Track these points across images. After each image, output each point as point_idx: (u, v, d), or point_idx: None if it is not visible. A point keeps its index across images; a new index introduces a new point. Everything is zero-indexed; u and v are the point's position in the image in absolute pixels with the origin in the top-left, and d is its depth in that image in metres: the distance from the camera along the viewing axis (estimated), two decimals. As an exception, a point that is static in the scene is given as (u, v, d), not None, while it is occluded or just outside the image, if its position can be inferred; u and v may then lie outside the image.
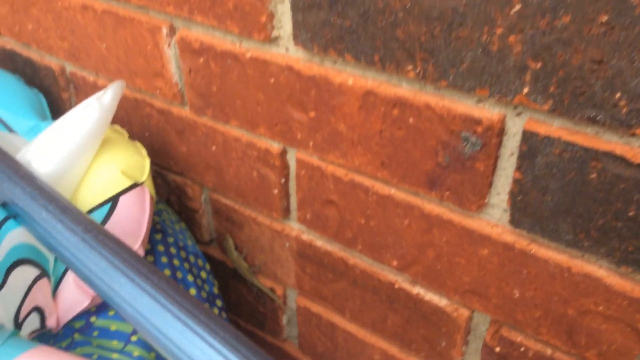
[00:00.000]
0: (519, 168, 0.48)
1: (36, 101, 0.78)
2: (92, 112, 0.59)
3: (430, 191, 0.54)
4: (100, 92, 0.60)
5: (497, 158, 0.49)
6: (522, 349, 0.57)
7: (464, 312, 0.59)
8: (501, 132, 0.47)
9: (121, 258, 0.44)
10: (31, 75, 0.88)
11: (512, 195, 0.49)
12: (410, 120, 0.51)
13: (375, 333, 0.70)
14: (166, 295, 0.41)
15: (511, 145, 0.47)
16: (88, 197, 0.60)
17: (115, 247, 0.46)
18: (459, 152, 0.50)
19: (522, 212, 0.49)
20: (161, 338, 0.40)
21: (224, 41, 0.60)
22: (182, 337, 0.39)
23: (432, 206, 0.55)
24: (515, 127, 0.46)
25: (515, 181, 0.48)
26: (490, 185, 0.50)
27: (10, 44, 0.89)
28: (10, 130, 0.73)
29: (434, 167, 0.52)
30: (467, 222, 0.53)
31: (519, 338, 0.57)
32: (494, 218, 0.52)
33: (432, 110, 0.49)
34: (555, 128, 0.44)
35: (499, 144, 0.48)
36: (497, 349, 0.59)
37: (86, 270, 0.45)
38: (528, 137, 0.46)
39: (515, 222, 0.51)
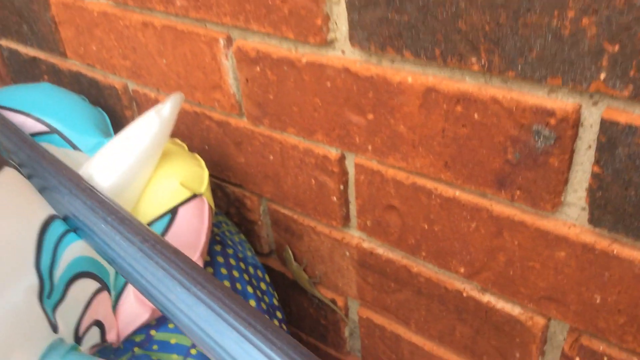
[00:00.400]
0: (597, 162, 0.44)
1: (100, 119, 0.80)
2: (152, 125, 0.59)
3: (499, 191, 0.51)
4: (159, 105, 0.60)
5: (572, 152, 0.45)
6: (605, 359, 0.53)
7: (540, 321, 0.56)
8: (577, 123, 0.44)
9: (178, 267, 0.44)
10: (96, 95, 0.90)
11: (591, 191, 0.46)
12: (475, 116, 0.48)
13: (443, 345, 0.67)
14: (222, 304, 0.40)
15: (588, 137, 0.44)
16: (148, 209, 0.60)
17: (172, 256, 0.45)
18: (531, 148, 0.47)
19: (602, 209, 0.46)
20: (217, 349, 0.39)
21: (279, 48, 0.60)
22: (238, 347, 0.38)
23: (502, 207, 0.52)
24: (592, 117, 0.43)
25: (594, 176, 0.45)
26: (566, 182, 0.47)
27: (75, 66, 0.92)
28: (74, 147, 0.75)
29: (502, 165, 0.49)
30: (541, 223, 0.50)
31: (601, 347, 0.53)
32: (571, 218, 0.49)
33: (499, 103, 0.46)
34: (636, 115, 0.41)
35: (575, 137, 0.45)
36: (578, 360, 0.55)
37: (143, 281, 0.45)
38: (607, 127, 0.42)
39: (594, 220, 0.47)
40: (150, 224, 0.60)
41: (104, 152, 0.61)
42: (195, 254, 0.61)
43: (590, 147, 0.45)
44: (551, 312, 0.54)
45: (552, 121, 0.45)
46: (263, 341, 0.37)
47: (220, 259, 0.68)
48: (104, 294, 0.57)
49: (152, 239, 0.48)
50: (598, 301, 0.50)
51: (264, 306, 0.70)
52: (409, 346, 0.71)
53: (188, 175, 0.62)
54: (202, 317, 0.40)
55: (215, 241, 0.69)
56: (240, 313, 0.39)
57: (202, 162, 0.66)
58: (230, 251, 0.70)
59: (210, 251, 0.68)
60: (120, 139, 0.60)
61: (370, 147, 0.58)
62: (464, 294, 0.60)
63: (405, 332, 0.70)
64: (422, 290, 0.64)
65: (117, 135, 0.61)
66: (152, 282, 0.44)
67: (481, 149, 0.50)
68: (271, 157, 0.69)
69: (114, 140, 0.61)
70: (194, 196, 0.61)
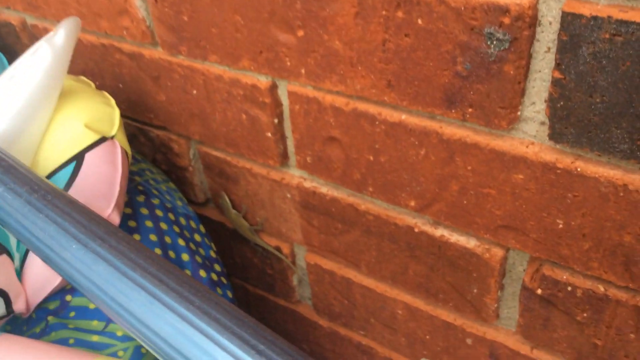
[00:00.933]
0: (558, 65, 0.38)
1: (-5, 61, 0.69)
2: (44, 57, 0.50)
3: (448, 110, 0.45)
4: (51, 33, 0.51)
5: (529, 57, 0.39)
6: (569, 288, 0.49)
7: (498, 252, 0.51)
8: (534, 21, 0.38)
9: (73, 220, 0.36)
10: (-10, 35, 0.79)
11: (551, 101, 0.40)
12: (419, 21, 0.41)
13: (396, 286, 0.62)
14: (126, 260, 0.33)
15: (546, 37, 0.38)
16: (50, 157, 0.51)
17: (66, 208, 0.37)
18: (483, 55, 0.40)
19: (564, 121, 0.40)
20: (123, 313, 0.32)
21: (188, -44, 0.51)
22: (147, 309, 0.31)
23: (452, 129, 0.46)
24: (551, 12, 0.37)
25: (555, 83, 0.39)
26: (522, 93, 0.41)
27: (-36, 3, 0.80)
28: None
29: (451, 79, 0.43)
30: (495, 143, 0.45)
31: (564, 276, 0.48)
32: (529, 135, 0.43)
33: (445, 3, 0.40)
34: (602, 6, 0.35)
35: (532, 38, 0.38)
36: (539, 291, 0.51)
37: (33, 239, 0.37)
38: (569, 22, 0.36)
39: (555, 135, 0.41)
40: (52, 174, 0.51)
41: (-10, 93, 0.51)
42: (109, 205, 0.53)
43: (549, 49, 0.39)
44: (509, 242, 0.49)
45: (506, 20, 0.38)
46: (176, 299, 0.30)
47: (145, 211, 0.61)
48: (3, 258, 0.49)
49: (43, 189, 0.40)
50: (560, 226, 0.45)
51: (198, 259, 0.63)
52: (361, 289, 0.66)
53: (94, 115, 0.53)
54: (102, 276, 0.33)
55: (137, 191, 0.62)
56: (149, 269, 0.32)
57: (112, 101, 0.57)
58: (155, 201, 0.62)
59: (132, 202, 0.60)
60: (7, 77, 0.51)
61: (303, 71, 0.51)
62: (416, 230, 0.55)
63: (356, 275, 0.65)
64: (371, 229, 0.59)
65: (3, 73, 0.52)
66: (43, 240, 0.37)
67: (427, 61, 0.43)
68: (195, 92, 0.61)
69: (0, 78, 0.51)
70: (103, 139, 0.53)
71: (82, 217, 0.36)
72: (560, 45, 0.37)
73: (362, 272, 0.64)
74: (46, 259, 0.36)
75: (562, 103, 0.40)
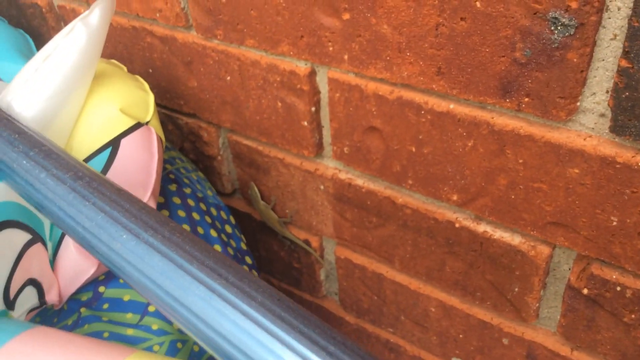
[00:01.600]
0: (627, 53, 0.36)
1: (23, 43, 0.68)
2: (79, 36, 0.49)
3: (502, 100, 0.43)
4: (85, 13, 0.49)
5: (594, 45, 0.37)
6: (618, 288, 0.47)
7: (544, 250, 0.49)
8: (602, 5, 0.36)
9: (122, 209, 0.34)
10: (17, 16, 0.77)
11: (616, 91, 0.38)
12: (478, 4, 0.39)
13: (431, 282, 0.60)
14: (182, 252, 0.31)
15: (613, 24, 0.36)
16: (84, 142, 0.50)
17: (114, 196, 0.36)
18: (545, 41, 0.38)
19: (628, 113, 0.38)
20: (178, 308, 0.30)
21: None
22: (206, 304, 0.29)
23: (505, 120, 0.44)
24: (624, -4, 0.35)
25: (621, 72, 0.37)
26: (584, 82, 0.39)
27: (-10, -14, 0.78)
28: (-6, 77, 0.63)
29: (509, 66, 0.41)
30: (551, 135, 0.43)
31: (614, 276, 0.46)
32: (587, 127, 0.41)
33: (508, -15, 0.38)
34: (683, -11, 0.33)
35: (598, 24, 0.36)
36: (585, 291, 0.49)
37: (79, 228, 0.35)
38: (643, 7, 0.34)
39: (617, 128, 0.39)
40: (87, 160, 0.50)
41: (23, 74, 0.50)
42: (146, 193, 0.51)
43: (615, 36, 0.36)
44: (558, 240, 0.47)
45: (574, 4, 0.36)
46: (238, 295, 0.29)
47: (177, 200, 0.59)
48: (38, 246, 0.48)
49: (87, 176, 0.38)
50: (615, 224, 0.43)
51: (230, 252, 0.62)
52: (393, 285, 0.64)
53: (129, 100, 0.52)
54: (157, 269, 0.31)
55: (169, 180, 0.60)
56: (206, 262, 0.31)
57: (146, 85, 0.55)
58: (187, 190, 0.60)
59: (164, 191, 0.59)
60: (42, 57, 0.49)
61: (346, 57, 0.49)
62: (457, 225, 0.53)
63: (389, 270, 0.63)
64: (407, 223, 0.57)
65: (37, 53, 0.50)
66: (90, 229, 0.35)
67: (484, 47, 0.41)
68: (228, 78, 0.59)
69: (33, 59, 0.50)
70: (139, 125, 0.51)
71: (131, 206, 0.34)
72: (631, 32, 0.35)
73: (395, 267, 0.62)
74: (92, 250, 0.34)
75: (627, 94, 0.38)
